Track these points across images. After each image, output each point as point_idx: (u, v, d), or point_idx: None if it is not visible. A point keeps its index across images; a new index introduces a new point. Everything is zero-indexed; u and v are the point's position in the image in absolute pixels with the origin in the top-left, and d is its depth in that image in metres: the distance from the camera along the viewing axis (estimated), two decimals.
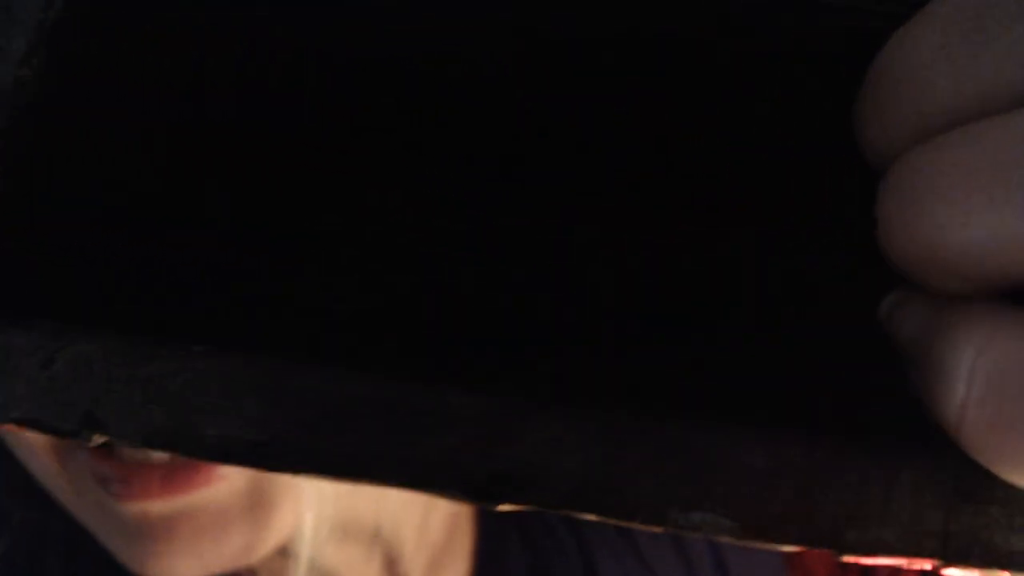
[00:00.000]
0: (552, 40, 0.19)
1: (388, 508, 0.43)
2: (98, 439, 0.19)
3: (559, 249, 0.20)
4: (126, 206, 0.20)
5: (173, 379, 0.19)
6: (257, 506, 0.36)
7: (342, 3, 0.20)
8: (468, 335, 0.20)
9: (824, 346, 0.19)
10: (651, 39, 0.19)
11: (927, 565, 0.18)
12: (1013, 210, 0.15)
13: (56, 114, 0.20)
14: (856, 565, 0.49)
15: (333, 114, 0.20)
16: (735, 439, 0.18)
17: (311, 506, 0.38)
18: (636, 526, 0.18)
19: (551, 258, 0.20)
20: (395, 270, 0.20)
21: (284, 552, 0.39)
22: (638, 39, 0.19)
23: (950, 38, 0.16)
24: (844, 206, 0.19)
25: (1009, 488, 0.17)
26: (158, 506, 0.35)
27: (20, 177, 0.20)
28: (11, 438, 0.38)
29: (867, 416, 0.19)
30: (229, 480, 0.35)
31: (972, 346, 0.16)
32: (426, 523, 0.45)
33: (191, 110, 0.20)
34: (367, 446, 0.18)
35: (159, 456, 0.34)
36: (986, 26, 0.15)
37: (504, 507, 0.18)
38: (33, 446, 0.37)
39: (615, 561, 0.47)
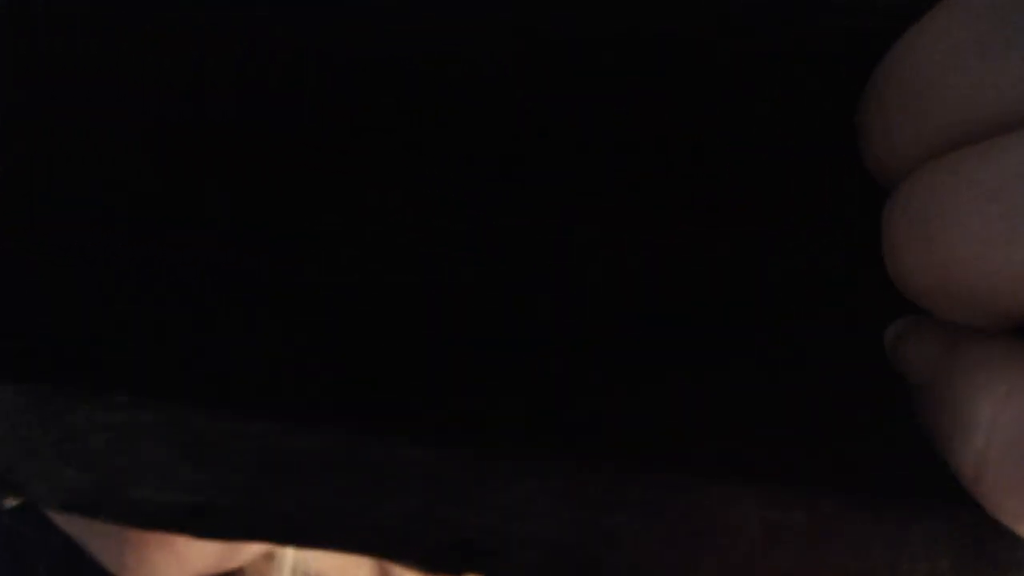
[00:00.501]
0: (552, 40, 0.19)
1: None
2: (11, 501, 0.17)
3: (559, 249, 0.20)
4: (126, 206, 0.20)
5: (90, 436, 0.18)
6: None
7: (342, 3, 0.19)
8: (467, 335, 0.20)
9: (825, 350, 0.19)
10: (651, 39, 0.19)
11: None
12: None
13: (56, 114, 0.20)
14: None
15: (333, 114, 0.20)
16: (725, 496, 0.17)
17: None
18: None
19: (551, 258, 0.20)
20: (395, 270, 0.20)
21: (270, 556, 0.38)
22: (638, 39, 0.19)
23: (964, 45, 0.14)
24: (844, 206, 0.19)
25: None
26: None
27: (20, 177, 0.20)
28: None
29: (872, 439, 0.18)
30: None
31: (992, 396, 0.14)
32: None
33: (191, 110, 0.20)
34: (313, 510, 0.17)
35: None
36: (1003, 33, 0.14)
37: None
38: None
39: None
